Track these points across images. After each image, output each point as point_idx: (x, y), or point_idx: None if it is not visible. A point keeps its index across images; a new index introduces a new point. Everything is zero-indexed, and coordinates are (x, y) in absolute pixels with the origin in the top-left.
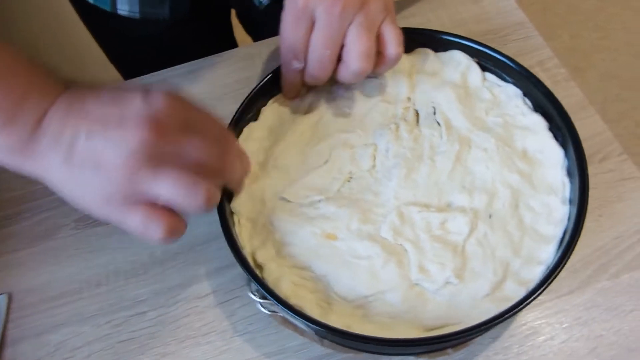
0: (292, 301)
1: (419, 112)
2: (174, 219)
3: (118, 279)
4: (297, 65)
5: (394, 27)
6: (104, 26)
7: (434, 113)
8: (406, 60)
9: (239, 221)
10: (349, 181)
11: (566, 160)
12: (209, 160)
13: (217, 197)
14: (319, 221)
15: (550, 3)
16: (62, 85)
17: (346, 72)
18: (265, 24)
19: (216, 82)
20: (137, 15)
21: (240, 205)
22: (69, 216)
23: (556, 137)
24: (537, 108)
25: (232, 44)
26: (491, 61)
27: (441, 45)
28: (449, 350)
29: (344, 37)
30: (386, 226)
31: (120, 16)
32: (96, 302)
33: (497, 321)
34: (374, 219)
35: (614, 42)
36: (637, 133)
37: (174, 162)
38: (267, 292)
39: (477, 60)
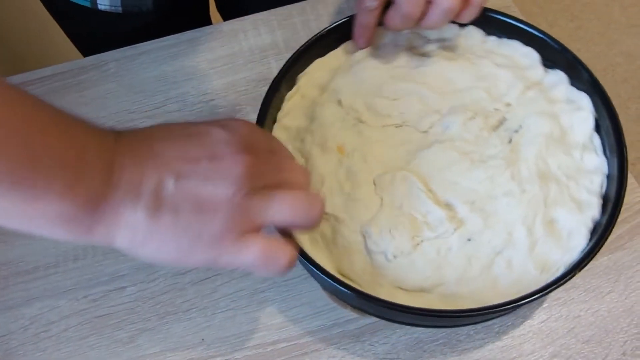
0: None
1: (506, 121)
2: (292, 243)
3: (96, 253)
4: (371, 2)
5: None
6: (81, 25)
7: (517, 131)
8: (538, 72)
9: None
10: (397, 127)
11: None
12: (296, 177)
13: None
14: (346, 131)
15: None
16: (110, 131)
17: (436, 12)
18: (246, 13)
19: (200, 57)
20: (119, 10)
21: None
22: None
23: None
24: (605, 197)
25: None
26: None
27: (580, 81)
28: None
29: None
30: (386, 175)
31: (100, 13)
32: (73, 277)
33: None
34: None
35: (587, 33)
36: None
37: (274, 183)
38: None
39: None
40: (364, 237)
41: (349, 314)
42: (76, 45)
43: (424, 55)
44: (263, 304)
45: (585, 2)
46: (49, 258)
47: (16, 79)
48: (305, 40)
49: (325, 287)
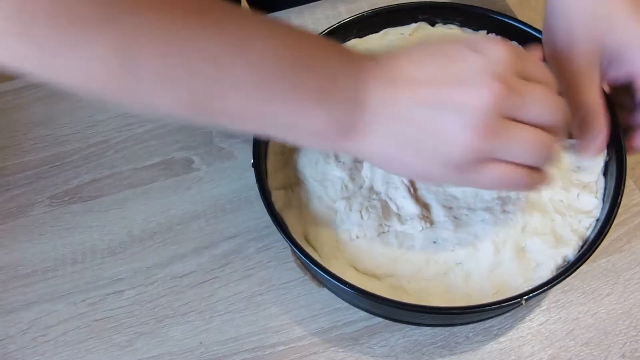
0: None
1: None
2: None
3: (94, 257)
4: None
5: None
6: None
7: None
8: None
9: None
10: None
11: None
12: (550, 114)
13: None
14: None
15: None
16: (363, 55)
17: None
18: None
19: None
20: None
21: None
22: (42, 193)
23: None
24: (586, 239)
25: None
26: None
27: None
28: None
29: None
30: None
31: None
32: (71, 280)
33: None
34: None
35: None
36: None
37: (522, 116)
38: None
39: None
40: (335, 210)
41: (347, 316)
42: None
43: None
44: (261, 306)
45: None
46: (48, 262)
47: (14, 84)
48: None
49: (292, 251)
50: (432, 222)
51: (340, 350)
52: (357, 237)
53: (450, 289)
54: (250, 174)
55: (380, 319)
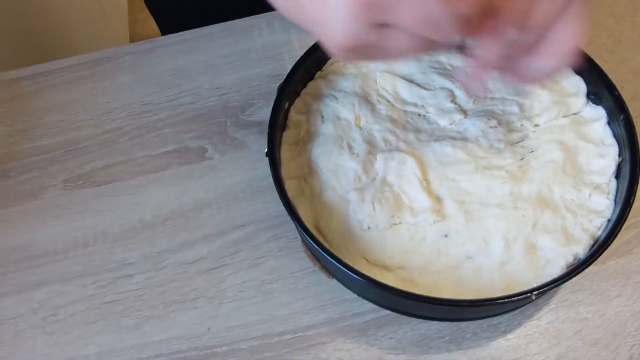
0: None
1: (526, 139)
2: None
3: (105, 241)
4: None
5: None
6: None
7: (532, 152)
8: (580, 102)
9: None
10: (419, 116)
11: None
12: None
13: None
14: (366, 106)
15: None
16: None
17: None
18: None
19: (214, 52)
20: None
21: None
22: (56, 176)
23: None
24: (596, 239)
25: None
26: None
27: (615, 124)
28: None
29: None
30: (388, 154)
31: None
32: (81, 263)
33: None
34: (390, 142)
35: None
36: None
37: None
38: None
39: None
40: (347, 201)
41: (355, 307)
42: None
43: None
44: (270, 295)
45: (596, 19)
46: (59, 244)
47: (31, 70)
48: None
49: (303, 240)
50: (444, 216)
51: (347, 341)
52: (369, 227)
53: (460, 282)
54: (263, 165)
55: (389, 312)
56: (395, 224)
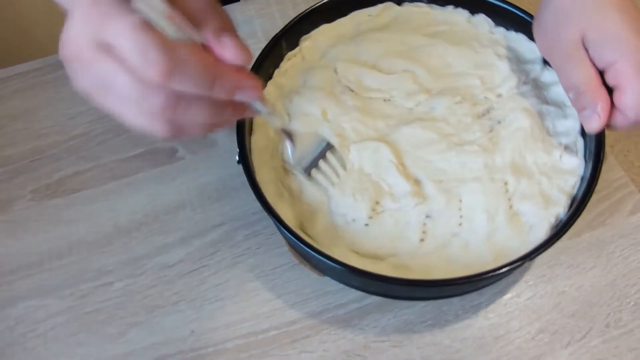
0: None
1: (491, 111)
2: None
3: (81, 250)
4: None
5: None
6: None
7: (500, 123)
8: (537, 68)
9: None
10: (385, 101)
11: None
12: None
13: None
14: (329, 98)
15: None
16: None
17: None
18: None
19: None
20: None
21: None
22: (24, 187)
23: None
24: (573, 199)
25: None
26: None
27: None
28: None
29: None
30: (360, 145)
31: None
32: (58, 275)
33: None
34: (361, 133)
35: None
36: None
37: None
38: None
39: None
40: (329, 197)
41: (338, 299)
42: None
43: (431, 36)
44: (251, 293)
45: None
46: (32, 257)
47: None
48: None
49: (289, 243)
50: (424, 197)
51: (332, 332)
52: (354, 220)
53: (452, 260)
54: (235, 162)
55: (372, 300)
56: (378, 213)
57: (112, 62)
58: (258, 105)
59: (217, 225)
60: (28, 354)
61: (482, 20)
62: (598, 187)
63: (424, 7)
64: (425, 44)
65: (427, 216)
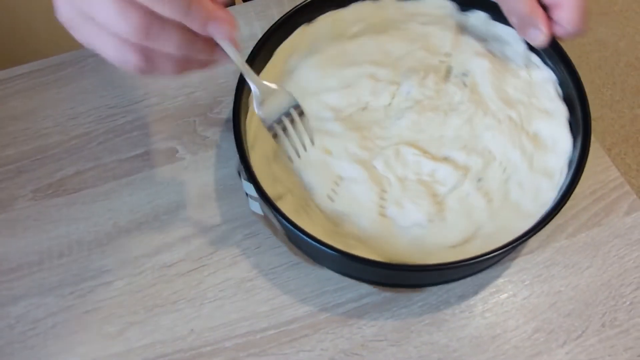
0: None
1: (452, 69)
2: None
3: (81, 249)
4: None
5: None
6: None
7: (466, 75)
8: (459, 17)
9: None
10: (362, 110)
11: (573, 152)
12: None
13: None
14: (321, 136)
15: None
16: None
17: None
18: None
19: None
20: None
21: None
22: (25, 187)
23: (572, 130)
24: (566, 99)
25: None
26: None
27: (500, 16)
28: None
29: None
30: (380, 157)
31: None
32: (58, 274)
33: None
34: (372, 148)
35: None
36: None
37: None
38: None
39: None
40: (391, 219)
41: (336, 298)
42: None
43: (352, 38)
44: (250, 292)
45: None
46: (33, 256)
47: None
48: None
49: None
50: (465, 168)
51: (330, 332)
52: (430, 221)
53: (519, 204)
54: (234, 162)
55: (369, 300)
56: (441, 203)
57: None
58: (227, 48)
59: (217, 225)
60: (28, 352)
61: (388, 1)
62: (594, 188)
63: (331, 15)
64: (355, 46)
65: (478, 180)
